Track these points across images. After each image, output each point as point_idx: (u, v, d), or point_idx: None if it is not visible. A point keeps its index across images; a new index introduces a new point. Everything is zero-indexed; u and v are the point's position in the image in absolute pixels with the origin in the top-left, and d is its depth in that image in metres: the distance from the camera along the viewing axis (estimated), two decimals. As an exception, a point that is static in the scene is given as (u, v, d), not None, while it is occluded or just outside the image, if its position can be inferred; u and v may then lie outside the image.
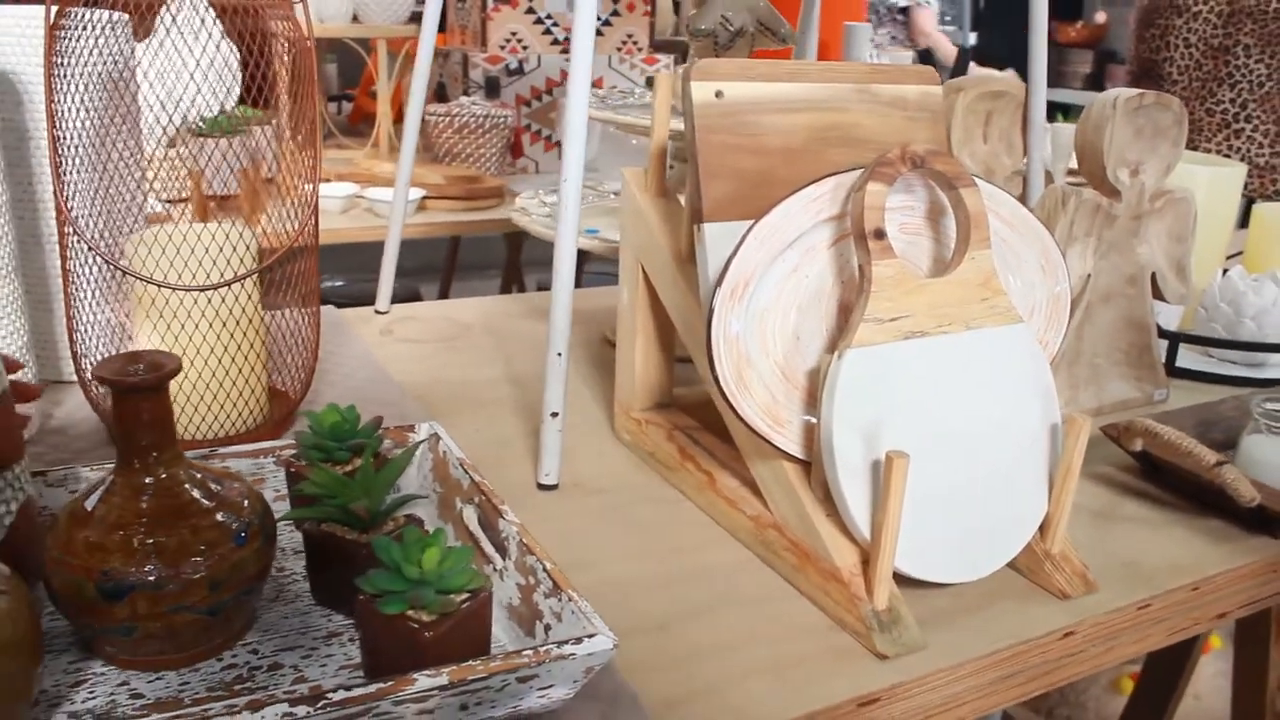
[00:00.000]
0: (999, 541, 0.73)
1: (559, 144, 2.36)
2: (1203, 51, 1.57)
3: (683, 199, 0.85)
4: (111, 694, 0.58)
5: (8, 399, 0.63)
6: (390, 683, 0.51)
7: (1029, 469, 0.74)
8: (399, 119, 2.40)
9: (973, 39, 4.26)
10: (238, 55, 1.45)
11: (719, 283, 0.68)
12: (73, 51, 0.83)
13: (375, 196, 2.01)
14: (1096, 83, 4.58)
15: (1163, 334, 1.18)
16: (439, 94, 2.61)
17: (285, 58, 2.01)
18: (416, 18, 2.44)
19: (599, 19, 2.37)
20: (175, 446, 0.61)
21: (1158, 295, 1.07)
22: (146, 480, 0.60)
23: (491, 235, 3.56)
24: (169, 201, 1.17)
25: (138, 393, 0.58)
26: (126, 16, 0.94)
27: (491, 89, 2.32)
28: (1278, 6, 1.50)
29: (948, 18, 4.74)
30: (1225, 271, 1.25)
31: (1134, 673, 1.66)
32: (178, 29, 0.84)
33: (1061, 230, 0.97)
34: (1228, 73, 1.56)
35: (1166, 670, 1.40)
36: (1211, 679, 1.77)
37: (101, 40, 0.88)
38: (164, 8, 0.89)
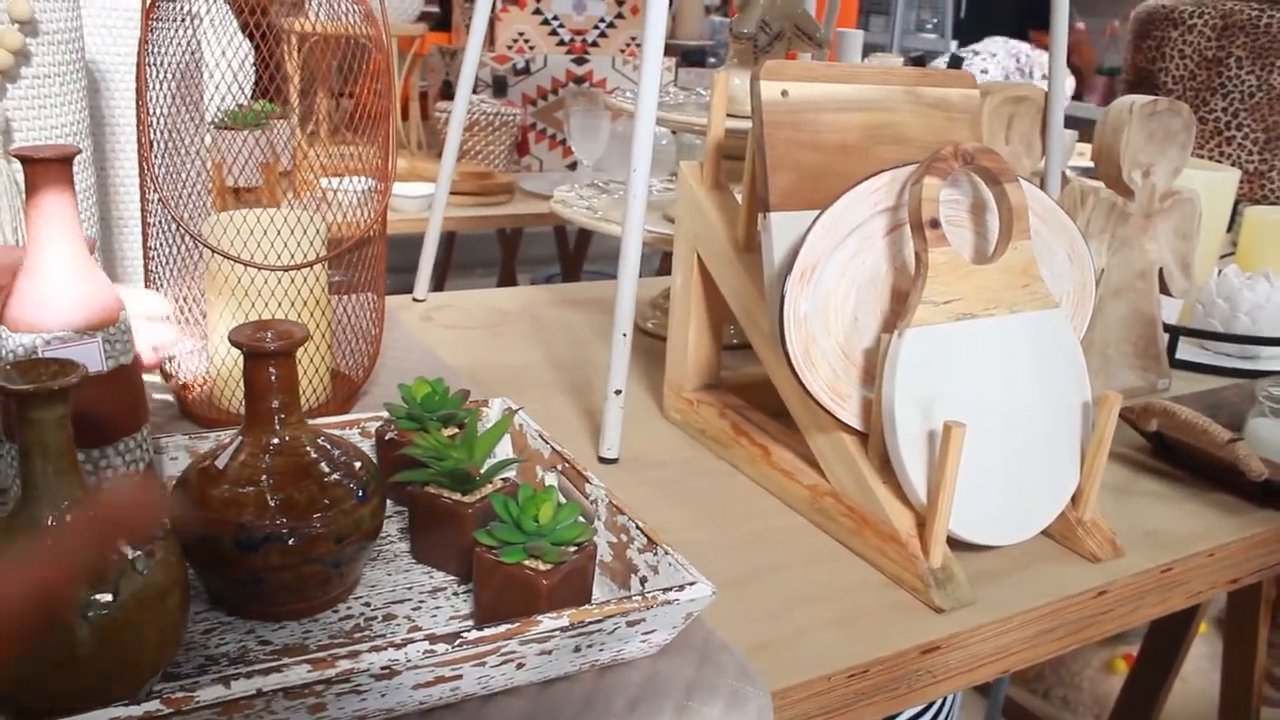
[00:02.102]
0: (1038, 508, 0.80)
1: (563, 142, 2.42)
2: (1196, 62, 1.65)
3: (737, 191, 0.91)
4: (241, 640, 0.63)
5: (137, 369, 0.68)
6: (518, 624, 0.56)
7: (1063, 442, 0.81)
8: (406, 116, 2.45)
9: (954, 46, 4.35)
10: (249, 50, 1.50)
11: (789, 267, 0.74)
12: (158, 42, 0.88)
13: (394, 191, 2.06)
14: (1077, 92, 4.68)
15: (1164, 327, 1.25)
16: (445, 91, 2.66)
17: (296, 54, 2.05)
18: (425, 17, 2.50)
19: (602, 21, 2.43)
20: (299, 410, 0.66)
21: (1164, 290, 1.14)
22: (274, 441, 0.64)
23: (484, 234, 3.61)
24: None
25: (270, 358, 0.63)
26: (199, 9, 0.99)
27: (499, 88, 2.37)
28: (1269, 21, 1.58)
29: (929, 25, 4.84)
30: (1220, 270, 1.32)
31: (1127, 654, 1.74)
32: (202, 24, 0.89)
33: (1079, 226, 1.04)
34: (1220, 83, 1.64)
35: (1164, 651, 1.48)
36: (1195, 661, 1.85)
37: (180, 32, 0.93)
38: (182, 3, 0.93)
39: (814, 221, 0.74)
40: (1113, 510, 0.89)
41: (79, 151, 0.60)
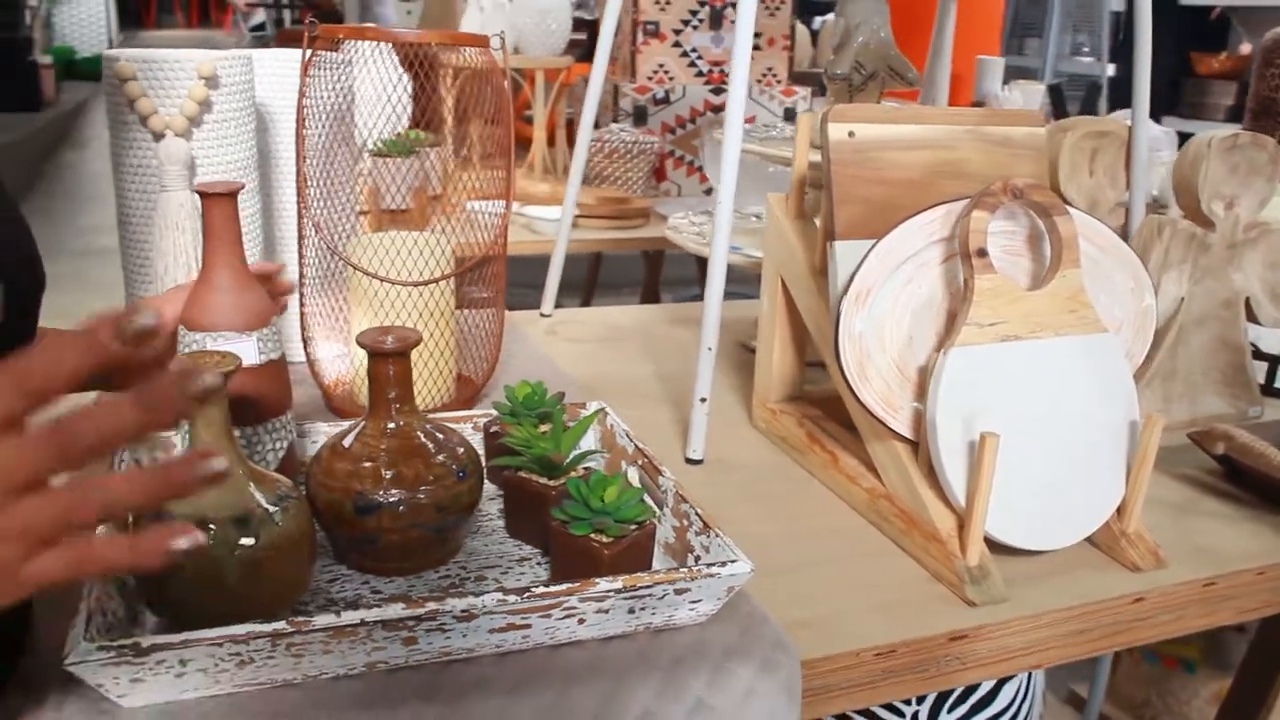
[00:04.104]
0: (1078, 518, 0.86)
1: (700, 169, 2.53)
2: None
3: (818, 221, 1.00)
4: (357, 590, 0.76)
5: (284, 364, 0.82)
6: (578, 584, 0.67)
7: (1108, 458, 0.87)
8: (552, 142, 2.60)
9: (1110, 70, 4.28)
10: (408, 83, 1.65)
11: (845, 290, 0.83)
12: (315, 86, 1.03)
13: (532, 214, 2.21)
14: (1238, 115, 4.53)
15: (1262, 355, 1.28)
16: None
17: (451, 86, 2.22)
18: (573, 46, 2.65)
19: (742, 53, 2.53)
20: (413, 401, 0.78)
21: (1252, 319, 1.17)
22: (390, 426, 0.77)
23: (631, 255, 3.75)
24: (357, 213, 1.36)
25: (389, 356, 0.76)
26: (352, 59, 1.14)
27: (639, 117, 2.50)
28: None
29: (1085, 48, 4.76)
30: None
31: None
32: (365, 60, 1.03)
33: (1157, 257, 1.09)
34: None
35: (1259, 679, 1.47)
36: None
37: (335, 77, 1.08)
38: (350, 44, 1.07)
39: (869, 251, 0.83)
40: (1168, 526, 0.94)
41: (243, 186, 0.74)
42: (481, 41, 1.01)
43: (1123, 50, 4.41)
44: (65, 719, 0.60)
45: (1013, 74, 4.12)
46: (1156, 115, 3.01)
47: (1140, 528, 0.87)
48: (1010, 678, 1.15)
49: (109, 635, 0.61)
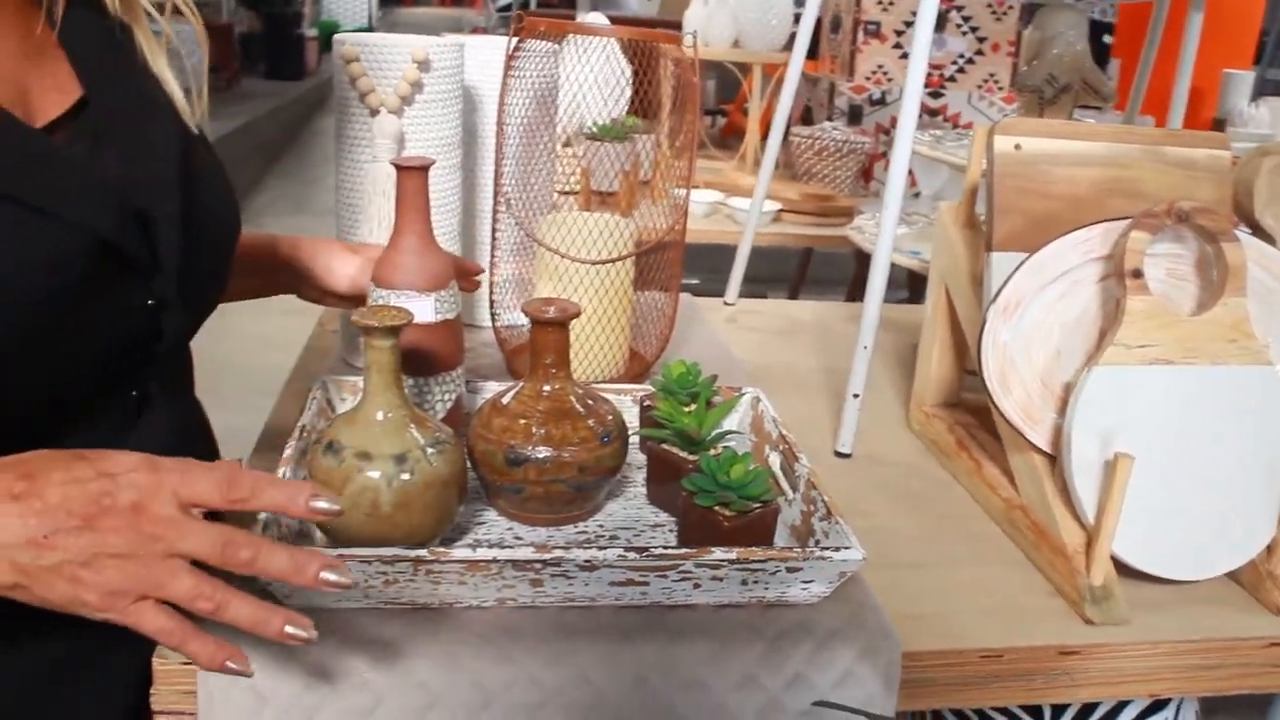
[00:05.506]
0: (1219, 552, 0.84)
1: (911, 172, 2.51)
2: None
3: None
4: (502, 534, 0.84)
5: (458, 324, 0.90)
6: (695, 550, 0.72)
7: (1260, 495, 0.85)
8: (766, 136, 2.64)
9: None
10: (629, 71, 1.72)
11: (994, 299, 0.84)
12: (521, 72, 1.11)
13: (736, 205, 2.26)
14: None
15: None
16: (805, 117, 2.83)
17: (670, 76, 2.30)
18: (792, 43, 2.68)
19: (961, 57, 2.50)
20: (568, 369, 0.85)
21: None
22: (545, 389, 0.84)
23: (841, 252, 3.75)
24: (561, 192, 1.44)
25: (549, 325, 0.83)
26: (557, 46, 1.22)
27: (854, 116, 2.51)
28: None
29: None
30: None
31: None
32: (580, 47, 1.10)
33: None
34: None
35: None
36: None
37: (540, 64, 1.16)
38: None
39: (1020, 264, 0.84)
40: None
41: (434, 162, 0.83)
42: (674, 39, 1.07)
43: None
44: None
45: (1272, 89, 3.86)
46: None
47: (1288, 569, 0.85)
48: (1160, 706, 1.12)
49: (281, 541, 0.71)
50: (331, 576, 0.60)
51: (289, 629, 0.60)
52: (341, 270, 0.97)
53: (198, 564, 0.60)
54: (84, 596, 0.58)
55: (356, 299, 0.98)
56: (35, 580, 0.58)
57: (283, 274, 0.99)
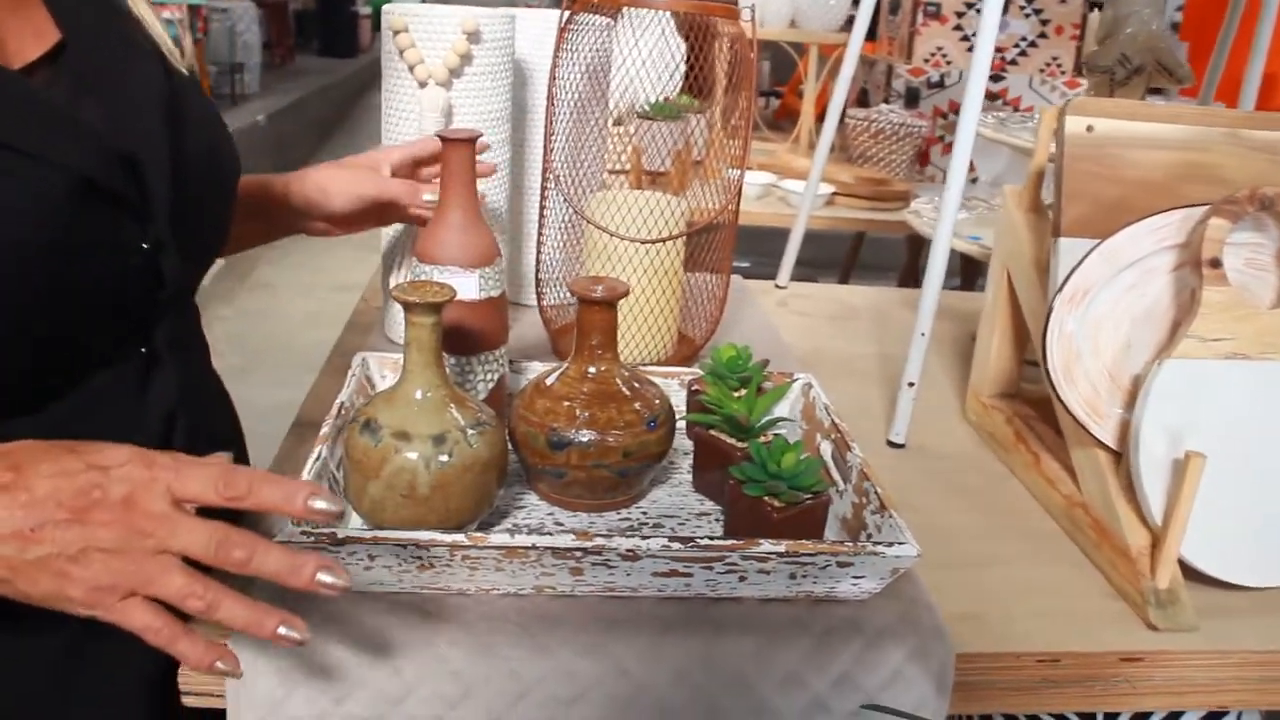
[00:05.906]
0: (1295, 556, 0.80)
1: (969, 156, 2.45)
2: None
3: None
4: (542, 519, 0.81)
5: (503, 302, 0.88)
6: (742, 541, 0.69)
7: (1340, 498, 0.80)
8: (821, 118, 2.59)
9: None
10: (683, 49, 1.69)
11: (1061, 287, 0.80)
12: (573, 46, 1.08)
13: (789, 187, 2.22)
14: None
15: None
16: (861, 99, 2.77)
17: (725, 55, 2.26)
18: (849, 24, 2.62)
19: (1024, 40, 2.43)
20: (615, 350, 0.82)
21: None
22: (590, 370, 0.82)
23: (894, 237, 3.69)
24: (612, 171, 1.42)
25: (597, 305, 0.80)
26: (612, 21, 1.19)
27: (911, 99, 2.46)
28: None
29: None
30: None
31: None
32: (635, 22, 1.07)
33: None
34: None
35: None
36: None
37: (593, 39, 1.13)
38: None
39: (1090, 250, 0.80)
40: None
41: (480, 135, 0.80)
42: (732, 13, 1.04)
43: None
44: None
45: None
46: None
47: (1369, 578, 0.81)
48: (1218, 717, 1.08)
49: (313, 524, 0.69)
50: (327, 579, 0.57)
51: (283, 630, 0.57)
52: (335, 187, 0.95)
53: (193, 563, 0.58)
54: (69, 592, 0.56)
55: (358, 215, 0.97)
56: (19, 574, 0.56)
57: (281, 212, 0.97)
